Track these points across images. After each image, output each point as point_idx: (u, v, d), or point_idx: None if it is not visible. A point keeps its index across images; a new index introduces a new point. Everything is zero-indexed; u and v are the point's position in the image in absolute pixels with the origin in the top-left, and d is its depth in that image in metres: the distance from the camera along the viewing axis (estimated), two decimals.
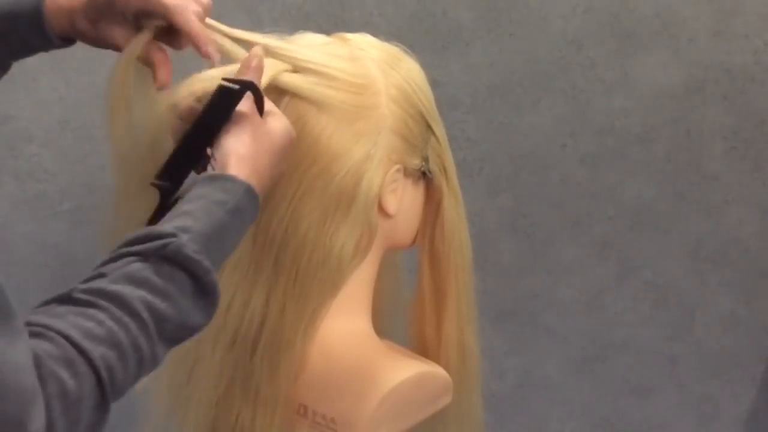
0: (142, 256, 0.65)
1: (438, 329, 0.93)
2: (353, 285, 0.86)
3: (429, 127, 0.87)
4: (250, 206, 0.72)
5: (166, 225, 0.67)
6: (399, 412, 0.84)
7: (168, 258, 0.65)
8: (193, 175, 0.76)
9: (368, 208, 0.83)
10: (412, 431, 0.88)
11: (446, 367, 0.90)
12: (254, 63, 0.78)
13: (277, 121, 0.77)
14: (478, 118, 1.62)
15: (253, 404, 0.85)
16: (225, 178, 0.71)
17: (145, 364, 0.63)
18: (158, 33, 0.79)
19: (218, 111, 0.75)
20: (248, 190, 0.72)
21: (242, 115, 0.75)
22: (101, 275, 0.64)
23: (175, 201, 0.74)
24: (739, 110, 1.63)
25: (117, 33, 0.78)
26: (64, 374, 0.57)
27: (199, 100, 0.77)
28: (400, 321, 0.97)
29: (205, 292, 0.67)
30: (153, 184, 0.75)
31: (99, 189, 1.55)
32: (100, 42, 0.80)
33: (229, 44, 0.82)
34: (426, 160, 0.87)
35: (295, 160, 0.81)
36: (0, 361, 0.53)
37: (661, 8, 1.57)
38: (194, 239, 0.67)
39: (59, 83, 1.52)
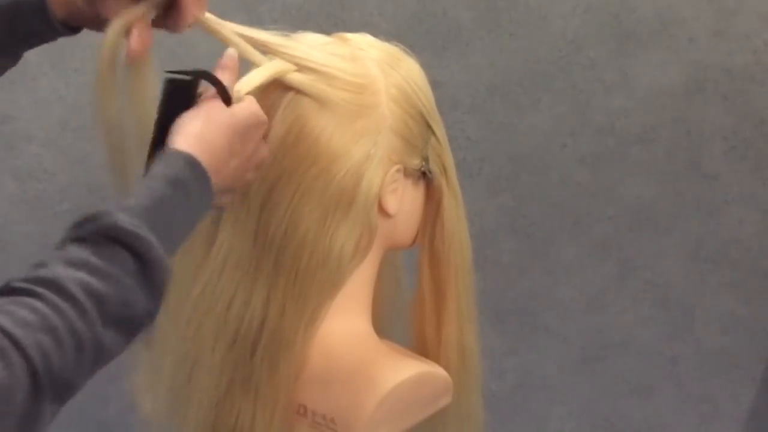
0: (80, 239, 0.64)
1: (438, 329, 0.93)
2: (353, 285, 0.86)
3: (429, 127, 0.87)
4: (193, 177, 0.70)
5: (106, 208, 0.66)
6: (399, 412, 0.84)
7: (106, 236, 0.63)
8: None
9: (368, 208, 0.83)
10: (411, 431, 0.88)
11: (446, 367, 0.90)
12: (224, 62, 0.79)
13: (243, 103, 0.77)
14: (478, 118, 1.62)
15: (253, 404, 0.85)
16: (166, 154, 0.71)
17: (86, 350, 0.61)
18: (155, 17, 0.79)
19: (173, 103, 0.75)
20: (188, 162, 0.70)
21: (201, 101, 0.75)
22: (42, 264, 0.63)
23: None
24: (739, 110, 1.63)
25: (114, 9, 0.77)
26: None
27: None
28: (400, 321, 0.96)
29: (148, 267, 0.64)
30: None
31: (99, 189, 1.55)
32: (98, 22, 0.80)
33: (230, 34, 0.82)
34: (426, 160, 0.87)
35: (294, 160, 0.81)
36: None
37: (661, 8, 1.57)
38: (132, 213, 0.65)
39: (59, 83, 1.52)
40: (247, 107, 0.78)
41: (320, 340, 0.85)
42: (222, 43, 0.83)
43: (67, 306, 0.60)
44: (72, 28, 0.81)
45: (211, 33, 0.82)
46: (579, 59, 1.60)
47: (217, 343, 0.85)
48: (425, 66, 0.90)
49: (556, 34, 1.58)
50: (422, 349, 0.94)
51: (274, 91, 0.82)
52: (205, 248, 0.85)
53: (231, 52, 0.80)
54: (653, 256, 1.73)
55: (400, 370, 0.84)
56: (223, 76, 0.78)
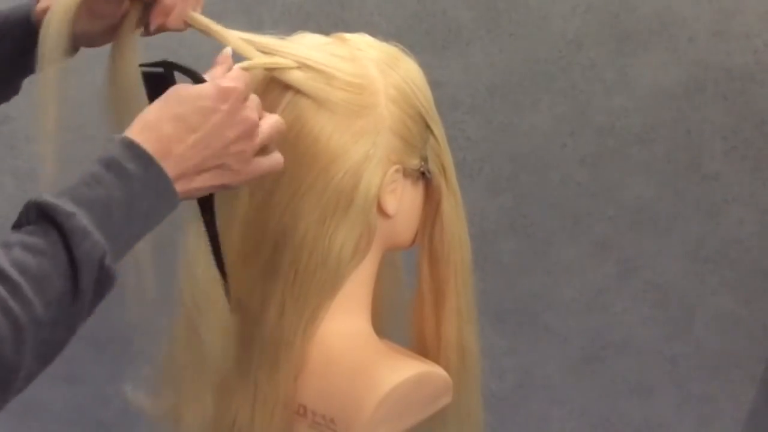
0: (16, 226, 0.65)
1: (437, 329, 0.93)
2: (353, 285, 0.86)
3: (428, 127, 0.87)
4: (130, 156, 0.67)
5: None
6: (399, 413, 0.84)
7: (32, 214, 0.64)
8: None
9: (367, 209, 0.83)
10: (411, 431, 0.88)
11: (446, 367, 0.90)
12: (219, 59, 0.78)
13: (206, 84, 0.74)
14: (478, 118, 1.62)
15: (253, 404, 0.85)
16: (106, 141, 0.69)
17: (23, 328, 0.60)
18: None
19: (154, 94, 0.74)
20: (124, 143, 0.68)
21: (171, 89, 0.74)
22: None
23: None
24: (739, 110, 1.63)
25: (99, 24, 0.78)
26: None
27: None
28: (400, 321, 0.96)
29: (69, 237, 0.63)
30: None
31: None
32: (88, 37, 0.80)
33: (228, 35, 0.82)
34: (425, 160, 0.87)
35: (293, 160, 0.81)
36: None
37: (661, 8, 1.57)
38: (57, 193, 0.64)
39: None
40: (213, 83, 0.74)
41: (320, 340, 0.85)
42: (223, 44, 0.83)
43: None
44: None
45: (207, 33, 0.82)
46: (579, 59, 1.60)
47: (215, 343, 0.85)
48: (425, 66, 0.90)
49: (556, 34, 1.58)
50: (422, 349, 0.94)
51: (273, 91, 0.82)
52: (201, 247, 0.85)
53: (227, 50, 0.79)
54: (653, 256, 1.73)
55: (400, 370, 0.84)
56: (215, 71, 0.77)
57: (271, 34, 0.86)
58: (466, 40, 1.57)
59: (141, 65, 0.76)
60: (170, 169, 0.70)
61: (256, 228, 0.83)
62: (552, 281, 1.74)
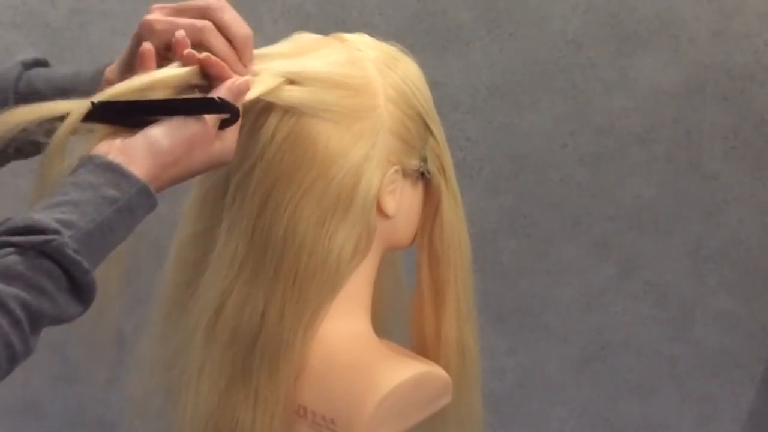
0: (21, 248, 0.64)
1: (437, 329, 0.93)
2: (352, 286, 0.85)
3: (427, 127, 0.87)
4: (142, 205, 0.71)
5: (49, 214, 0.66)
6: (398, 413, 0.84)
7: (47, 254, 0.64)
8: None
9: (367, 210, 0.83)
10: (411, 431, 0.88)
11: (446, 367, 0.90)
12: (237, 84, 0.77)
13: (223, 140, 0.76)
14: (478, 118, 1.62)
15: (253, 406, 0.84)
16: (122, 174, 0.70)
17: (17, 359, 0.63)
18: None
19: (186, 108, 0.74)
20: (142, 190, 0.71)
21: (199, 120, 0.74)
22: None
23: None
24: (739, 110, 1.63)
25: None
26: None
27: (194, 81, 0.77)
28: (400, 321, 0.97)
29: (81, 290, 0.66)
30: (91, 101, 0.73)
31: None
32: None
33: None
34: (424, 160, 0.87)
35: (293, 162, 0.81)
36: None
37: (661, 8, 1.57)
38: (77, 238, 0.66)
39: None
40: (228, 148, 0.77)
41: (320, 341, 0.84)
42: None
43: (2, 319, 0.61)
44: None
45: None
46: (579, 59, 1.60)
47: (213, 345, 0.85)
48: (425, 66, 0.89)
49: (556, 34, 1.58)
50: (422, 349, 0.94)
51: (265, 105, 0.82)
52: (199, 251, 0.85)
53: (247, 79, 0.78)
54: (653, 256, 1.73)
55: (400, 371, 0.84)
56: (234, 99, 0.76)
57: (271, 33, 0.85)
58: (466, 40, 1.57)
59: (216, 97, 0.75)
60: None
61: (255, 230, 0.83)
62: (552, 281, 1.74)
